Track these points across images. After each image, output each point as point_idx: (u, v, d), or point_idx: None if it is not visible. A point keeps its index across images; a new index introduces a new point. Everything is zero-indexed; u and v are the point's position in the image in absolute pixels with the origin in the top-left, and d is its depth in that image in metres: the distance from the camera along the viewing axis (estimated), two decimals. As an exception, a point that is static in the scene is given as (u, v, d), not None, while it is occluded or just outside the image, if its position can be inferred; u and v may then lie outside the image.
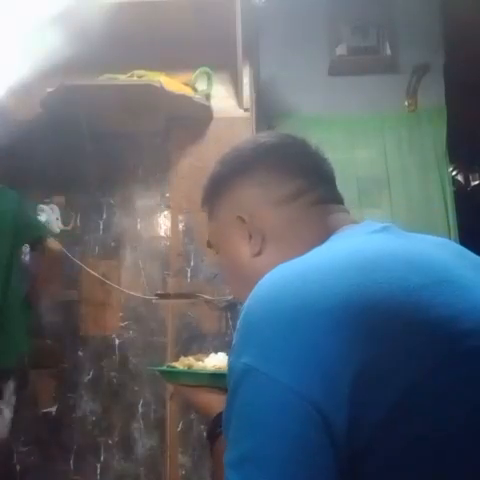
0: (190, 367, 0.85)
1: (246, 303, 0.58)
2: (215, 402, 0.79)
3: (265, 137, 0.81)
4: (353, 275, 0.54)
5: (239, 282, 0.79)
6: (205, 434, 0.81)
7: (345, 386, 0.48)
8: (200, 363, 0.87)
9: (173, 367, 0.88)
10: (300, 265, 0.59)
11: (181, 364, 0.87)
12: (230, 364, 0.54)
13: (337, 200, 0.78)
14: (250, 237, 0.75)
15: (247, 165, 0.78)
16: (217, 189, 0.82)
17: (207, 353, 0.92)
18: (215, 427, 0.76)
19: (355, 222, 0.73)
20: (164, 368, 0.90)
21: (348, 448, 0.48)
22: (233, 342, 0.56)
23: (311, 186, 0.75)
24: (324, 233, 0.70)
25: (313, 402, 0.48)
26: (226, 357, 0.87)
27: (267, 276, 0.59)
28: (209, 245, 0.85)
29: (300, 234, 0.73)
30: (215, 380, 0.82)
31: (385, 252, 0.58)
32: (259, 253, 0.74)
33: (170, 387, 0.87)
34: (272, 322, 0.53)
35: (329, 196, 0.76)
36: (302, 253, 0.63)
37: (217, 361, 0.87)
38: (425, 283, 0.54)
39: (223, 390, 0.79)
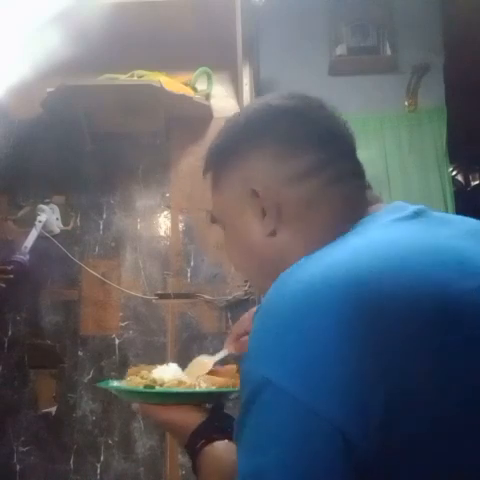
0: (151, 383, 0.77)
1: (266, 303, 0.53)
2: (190, 419, 0.73)
3: (277, 100, 0.70)
4: (384, 282, 0.48)
5: (250, 263, 0.71)
6: (186, 451, 0.73)
7: (376, 409, 0.44)
8: (155, 376, 0.78)
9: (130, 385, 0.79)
10: (324, 267, 0.53)
11: (135, 380, 0.79)
12: (246, 369, 0.50)
13: (359, 174, 0.69)
14: (263, 214, 0.66)
15: (259, 132, 0.68)
16: (225, 156, 0.72)
17: (162, 362, 0.85)
18: (195, 442, 0.70)
19: (380, 201, 0.67)
20: (130, 387, 0.78)
21: (372, 472, 0.44)
22: (249, 342, 0.52)
23: (331, 160, 0.66)
24: (346, 217, 0.63)
25: (336, 425, 0.44)
26: (178, 369, 0.81)
27: (288, 276, 0.54)
28: (213, 220, 0.76)
29: (320, 217, 0.64)
30: (191, 399, 0.76)
31: (418, 249, 0.52)
32: (274, 233, 0.66)
33: (135, 405, 0.79)
34: (295, 332, 0.48)
35: (350, 170, 0.68)
36: (322, 239, 0.59)
37: (171, 375, 0.79)
38: (470, 288, 0.48)
39: (196, 405, 0.74)
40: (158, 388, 0.76)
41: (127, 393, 0.80)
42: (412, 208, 0.62)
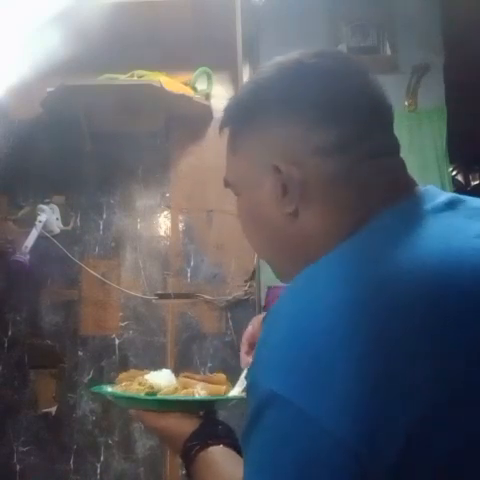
0: (149, 389, 0.77)
1: (277, 311, 0.50)
2: (185, 426, 0.72)
3: (312, 58, 0.62)
4: (400, 297, 0.45)
5: (267, 242, 0.64)
6: (181, 457, 0.72)
7: (395, 429, 0.41)
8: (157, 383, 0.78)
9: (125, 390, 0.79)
10: (348, 273, 0.48)
11: (133, 386, 0.78)
12: (252, 382, 0.48)
13: (393, 151, 0.62)
14: (284, 191, 0.58)
15: (289, 94, 0.59)
16: (248, 114, 0.63)
17: (150, 368, 0.84)
18: (191, 448, 0.69)
19: (413, 185, 0.60)
20: (131, 394, 0.77)
21: None
22: (257, 353, 0.49)
23: (368, 133, 0.59)
24: (376, 202, 0.56)
25: (349, 445, 0.41)
26: (172, 375, 0.81)
27: (303, 286, 0.50)
28: (226, 184, 0.67)
29: (349, 197, 0.57)
30: (192, 406, 0.76)
31: (440, 259, 0.47)
32: (296, 213, 0.58)
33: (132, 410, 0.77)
34: (308, 345, 0.45)
35: (385, 147, 0.61)
36: (350, 223, 0.55)
37: (166, 381, 0.79)
38: None
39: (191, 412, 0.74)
40: (160, 396, 0.76)
41: (126, 399, 0.78)
42: (444, 198, 0.56)
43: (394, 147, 0.62)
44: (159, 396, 0.75)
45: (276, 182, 0.59)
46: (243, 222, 0.66)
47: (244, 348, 0.84)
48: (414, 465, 0.41)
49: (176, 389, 0.78)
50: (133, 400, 0.77)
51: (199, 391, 0.78)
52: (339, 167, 0.57)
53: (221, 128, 0.67)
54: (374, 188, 0.57)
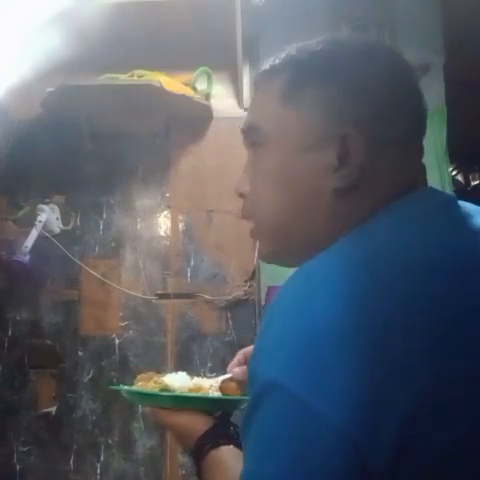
0: (165, 388, 0.79)
1: (279, 300, 0.50)
2: (198, 424, 0.74)
3: (383, 47, 0.63)
4: (394, 293, 0.46)
5: (280, 204, 0.58)
6: (191, 455, 0.74)
7: (394, 421, 0.41)
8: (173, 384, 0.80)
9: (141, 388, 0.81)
10: (350, 267, 0.48)
11: (149, 385, 0.80)
12: (253, 371, 0.48)
13: (422, 153, 0.64)
14: (342, 164, 0.55)
15: (376, 80, 0.58)
16: (329, 72, 0.57)
17: (151, 368, 0.86)
18: (202, 446, 0.71)
19: (424, 184, 0.62)
20: (149, 390, 0.79)
21: None
22: (257, 342, 0.50)
23: (420, 132, 0.61)
24: (400, 194, 0.57)
25: (349, 435, 0.41)
26: (187, 378, 0.82)
27: (309, 275, 0.50)
28: (246, 132, 0.62)
29: (381, 188, 0.57)
30: (205, 404, 0.78)
31: (428, 259, 0.48)
32: (343, 190, 0.55)
33: (146, 409, 0.80)
34: (309, 334, 0.45)
35: (422, 147, 0.63)
36: (370, 215, 0.55)
37: (181, 383, 0.80)
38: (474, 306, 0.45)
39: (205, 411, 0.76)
40: (176, 392, 0.78)
41: (142, 396, 0.81)
42: (441, 200, 0.57)
43: (422, 148, 0.65)
44: (173, 393, 0.78)
45: (331, 152, 0.55)
46: (261, 176, 0.60)
47: (238, 356, 0.85)
48: (413, 460, 0.41)
49: (191, 390, 0.79)
50: (148, 396, 0.79)
51: (214, 391, 0.80)
52: (390, 160, 0.57)
53: (273, 71, 0.59)
54: (405, 182, 0.58)
